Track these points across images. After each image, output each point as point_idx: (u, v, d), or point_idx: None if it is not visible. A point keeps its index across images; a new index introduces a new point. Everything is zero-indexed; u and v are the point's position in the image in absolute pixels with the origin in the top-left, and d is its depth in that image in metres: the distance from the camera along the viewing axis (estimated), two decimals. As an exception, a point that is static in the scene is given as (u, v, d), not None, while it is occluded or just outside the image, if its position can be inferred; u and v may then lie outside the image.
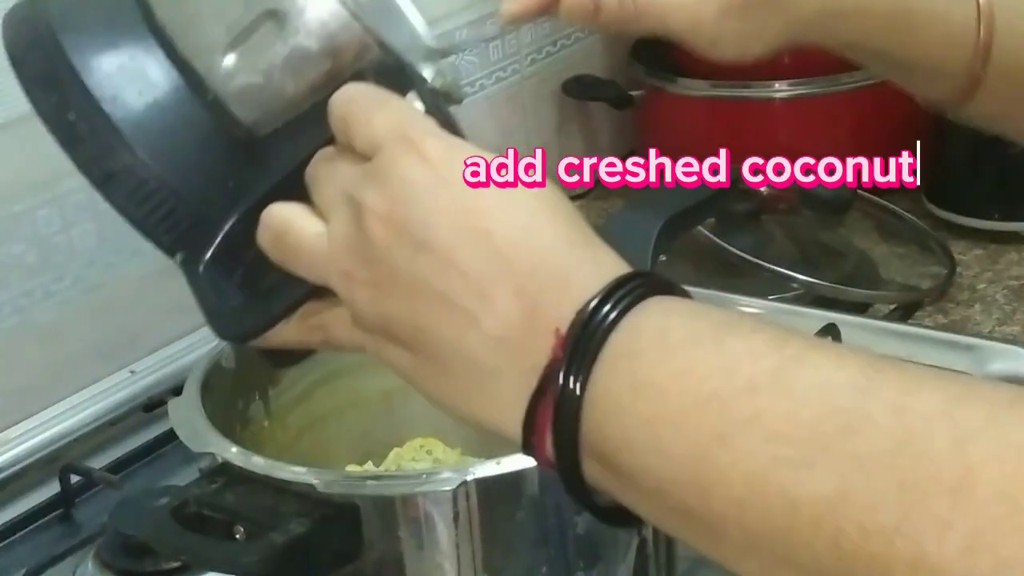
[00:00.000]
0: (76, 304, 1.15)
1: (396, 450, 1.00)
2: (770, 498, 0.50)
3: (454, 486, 0.77)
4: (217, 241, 0.66)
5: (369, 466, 0.99)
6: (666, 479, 0.53)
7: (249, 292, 0.65)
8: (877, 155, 1.27)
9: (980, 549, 0.46)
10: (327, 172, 0.61)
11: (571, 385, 0.54)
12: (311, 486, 0.77)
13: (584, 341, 0.54)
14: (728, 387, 0.52)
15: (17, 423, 1.12)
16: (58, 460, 1.12)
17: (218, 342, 0.92)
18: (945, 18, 0.80)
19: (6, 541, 1.08)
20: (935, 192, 1.44)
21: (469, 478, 0.77)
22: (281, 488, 0.77)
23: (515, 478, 0.78)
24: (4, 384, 1.11)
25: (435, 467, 0.97)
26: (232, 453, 0.80)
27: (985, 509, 0.46)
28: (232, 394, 0.93)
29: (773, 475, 0.50)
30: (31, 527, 1.09)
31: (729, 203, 1.24)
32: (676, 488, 0.52)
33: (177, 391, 0.90)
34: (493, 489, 0.78)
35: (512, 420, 0.56)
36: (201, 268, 0.66)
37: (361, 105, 0.60)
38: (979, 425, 0.48)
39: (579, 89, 1.57)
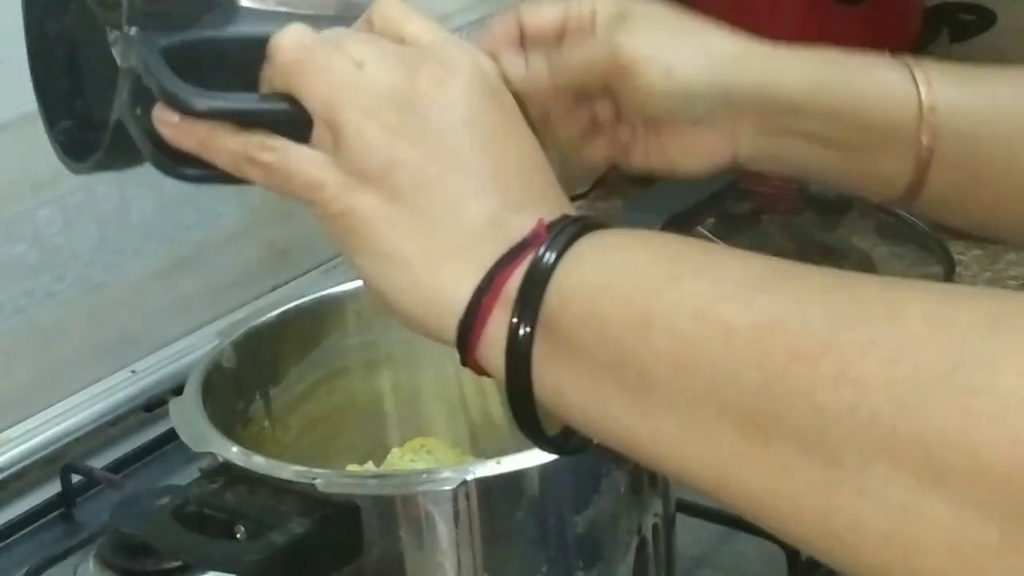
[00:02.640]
0: (77, 304, 1.15)
1: (396, 450, 1.00)
2: (708, 329, 0.53)
3: (454, 486, 0.77)
4: (185, 39, 0.65)
5: (369, 466, 0.99)
6: (613, 320, 0.56)
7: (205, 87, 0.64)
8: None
9: (900, 359, 0.48)
10: (361, 35, 0.64)
11: (552, 246, 0.58)
12: (311, 486, 0.77)
13: (570, 224, 0.60)
14: (687, 247, 0.58)
15: (18, 423, 1.12)
16: (59, 460, 1.12)
17: (220, 342, 0.93)
18: (886, 91, 0.79)
19: (7, 540, 1.08)
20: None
21: (469, 478, 0.77)
22: (281, 488, 0.77)
23: (515, 478, 0.78)
24: (5, 384, 1.11)
25: (435, 467, 0.97)
26: (233, 453, 0.80)
27: (909, 328, 0.49)
28: (233, 394, 0.93)
29: (714, 309, 0.54)
30: (32, 526, 1.09)
31: (729, 203, 1.24)
32: (620, 329, 0.56)
33: (178, 391, 0.90)
34: (493, 489, 0.78)
35: (463, 288, 0.59)
36: (158, 48, 0.64)
37: (398, 9, 0.65)
38: (909, 282, 0.52)
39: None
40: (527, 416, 0.60)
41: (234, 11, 0.67)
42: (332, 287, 1.00)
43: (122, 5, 0.64)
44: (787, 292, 0.53)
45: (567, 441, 0.63)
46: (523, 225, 0.60)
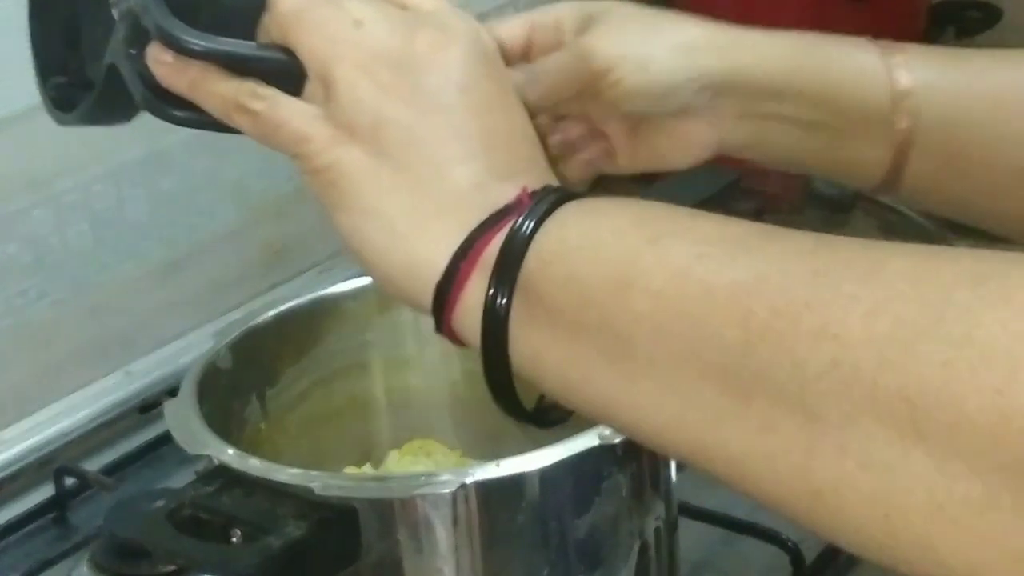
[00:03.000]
0: (71, 304, 1.15)
1: (395, 452, 1.00)
2: (688, 288, 0.53)
3: (453, 489, 0.76)
4: None
5: (367, 468, 0.99)
6: (593, 283, 0.56)
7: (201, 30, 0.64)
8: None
9: (881, 313, 0.48)
10: None
11: (533, 211, 0.59)
12: (309, 489, 0.76)
13: (553, 192, 0.60)
14: (669, 212, 0.58)
15: (11, 425, 1.12)
16: (53, 462, 1.12)
17: (216, 343, 0.93)
18: (862, 80, 0.79)
19: (0, 544, 1.08)
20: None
21: (468, 481, 0.77)
22: (278, 491, 0.77)
23: (515, 481, 0.78)
24: (-2, 385, 1.11)
25: (434, 469, 0.97)
26: (229, 455, 0.80)
27: (891, 285, 0.49)
28: (229, 395, 0.93)
29: (695, 268, 0.54)
30: (25, 530, 1.09)
31: (732, 202, 1.24)
32: (600, 292, 0.56)
33: (173, 392, 0.90)
34: (493, 492, 0.78)
35: (442, 252, 0.59)
36: None
37: None
38: (891, 244, 0.52)
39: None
40: (504, 386, 0.60)
41: None
42: (329, 287, 1.00)
43: None
44: (768, 252, 0.53)
45: (545, 414, 0.63)
46: (507, 192, 0.60)
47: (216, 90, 0.63)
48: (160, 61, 0.64)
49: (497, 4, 1.47)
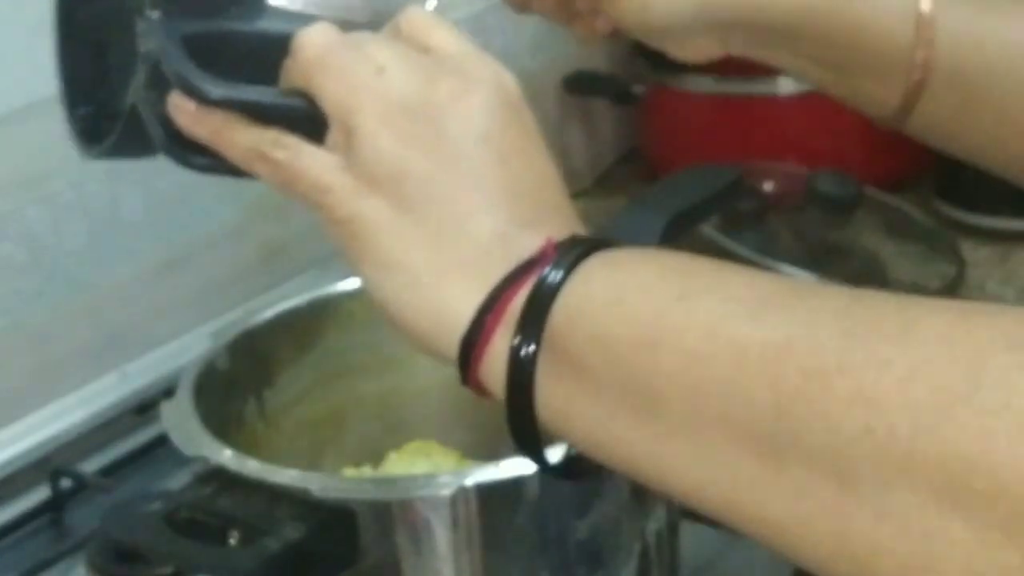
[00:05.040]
0: (67, 304, 1.15)
1: (393, 453, 1.00)
2: (719, 347, 0.53)
3: (452, 490, 0.76)
4: (209, 28, 0.65)
5: (366, 470, 0.98)
6: (621, 341, 0.55)
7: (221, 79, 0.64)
8: (884, 152, 1.27)
9: (917, 379, 0.48)
10: (386, 40, 0.64)
11: (559, 265, 0.58)
12: (306, 490, 0.76)
13: (579, 243, 0.60)
14: (695, 265, 0.58)
15: (7, 426, 1.11)
16: (48, 463, 1.12)
17: (213, 343, 0.93)
18: (884, 8, 0.79)
19: (-5, 546, 1.08)
20: (944, 190, 1.44)
21: (468, 482, 0.77)
22: (276, 493, 0.77)
23: (515, 482, 0.78)
24: (-7, 386, 1.11)
25: (433, 471, 0.96)
26: (226, 457, 0.80)
27: (925, 348, 0.48)
28: (226, 396, 0.92)
29: (724, 327, 0.53)
30: (21, 531, 1.08)
31: (734, 201, 1.23)
32: (628, 350, 0.55)
33: (170, 393, 0.89)
34: (492, 494, 0.78)
35: (467, 305, 0.59)
36: (179, 35, 0.64)
37: (427, 18, 0.66)
38: (923, 300, 0.52)
39: (581, 85, 1.57)
40: (528, 439, 0.59)
41: (261, 7, 0.67)
42: (327, 287, 1.00)
43: None
44: (799, 311, 0.52)
45: (571, 467, 0.62)
46: (531, 243, 0.60)
47: (238, 139, 0.63)
48: (181, 109, 0.64)
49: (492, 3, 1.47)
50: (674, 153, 1.51)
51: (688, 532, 0.90)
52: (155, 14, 0.64)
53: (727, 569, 1.00)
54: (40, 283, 1.13)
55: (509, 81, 0.64)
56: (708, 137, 1.48)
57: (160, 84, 0.64)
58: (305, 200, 0.62)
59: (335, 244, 0.62)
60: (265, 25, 0.67)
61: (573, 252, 0.59)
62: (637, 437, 0.55)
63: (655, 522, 0.84)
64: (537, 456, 0.61)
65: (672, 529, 0.86)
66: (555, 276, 0.58)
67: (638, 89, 1.58)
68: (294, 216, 1.29)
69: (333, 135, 0.62)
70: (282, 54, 0.64)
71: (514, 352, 0.58)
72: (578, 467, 0.63)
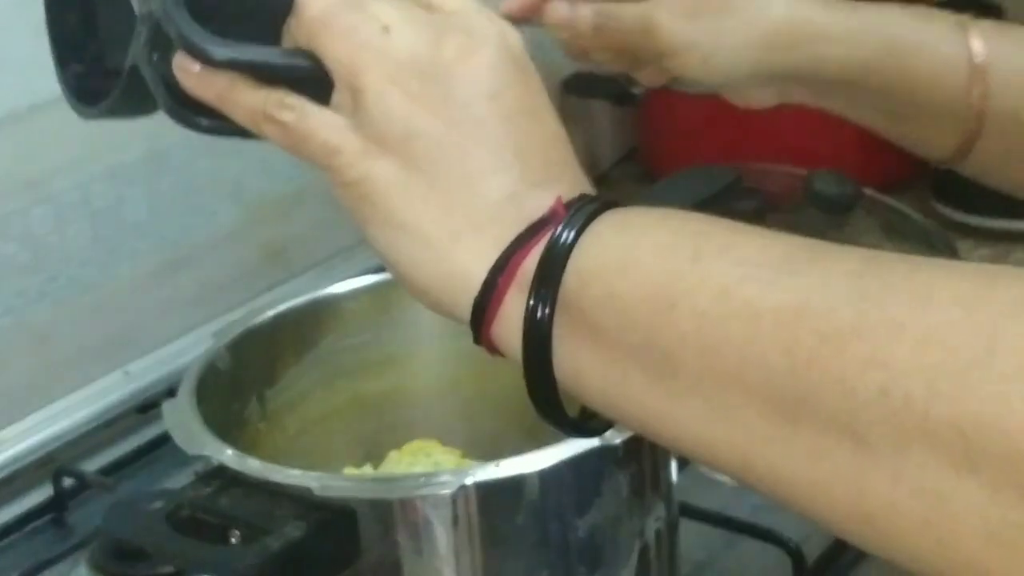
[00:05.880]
0: (70, 304, 1.15)
1: (394, 452, 1.00)
2: (733, 309, 0.53)
3: (453, 489, 0.76)
4: None
5: (367, 469, 0.98)
6: (635, 301, 0.55)
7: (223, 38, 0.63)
8: (882, 153, 1.27)
9: (932, 343, 0.48)
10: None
11: (571, 225, 0.58)
12: (308, 489, 0.76)
13: (589, 202, 0.59)
14: (709, 227, 0.57)
15: (10, 425, 1.12)
16: (51, 462, 1.12)
17: (215, 343, 0.93)
18: (938, 60, 0.80)
19: (-1, 544, 1.08)
20: (941, 191, 1.44)
21: (468, 481, 0.76)
22: (277, 491, 0.77)
23: (515, 481, 0.78)
24: (-4, 385, 1.11)
25: (434, 470, 0.96)
26: (227, 456, 0.80)
27: (940, 312, 0.48)
28: (227, 396, 0.93)
29: (739, 289, 0.53)
30: (24, 530, 1.09)
31: (733, 201, 1.24)
32: (642, 311, 0.55)
33: (172, 393, 0.89)
34: (493, 492, 0.78)
35: (479, 266, 0.59)
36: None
37: None
38: (938, 263, 0.51)
39: (580, 86, 1.56)
40: (546, 398, 0.59)
41: None
42: (328, 288, 1.00)
43: None
44: (813, 273, 0.52)
45: (586, 423, 0.62)
46: (541, 202, 0.59)
47: (244, 101, 0.62)
48: (186, 71, 0.63)
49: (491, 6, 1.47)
50: (673, 154, 1.51)
51: (687, 530, 0.91)
52: None
53: (726, 567, 1.00)
54: (43, 283, 1.13)
55: (514, 38, 0.63)
56: (707, 138, 1.48)
57: (162, 45, 0.63)
58: (314, 161, 0.62)
59: (345, 204, 0.62)
60: None
61: (584, 211, 0.58)
62: (651, 396, 0.55)
63: (655, 521, 0.84)
64: (556, 415, 0.60)
65: (671, 528, 0.86)
66: (567, 236, 0.57)
67: (637, 90, 1.57)
68: (295, 217, 1.29)
69: (339, 95, 0.61)
70: (285, 10, 0.63)
71: (529, 314, 0.57)
72: (594, 423, 0.62)
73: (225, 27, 0.63)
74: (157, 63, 0.64)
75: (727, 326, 0.53)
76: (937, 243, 1.39)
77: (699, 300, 0.54)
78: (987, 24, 0.79)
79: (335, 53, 0.61)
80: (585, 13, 0.80)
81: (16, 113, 1.06)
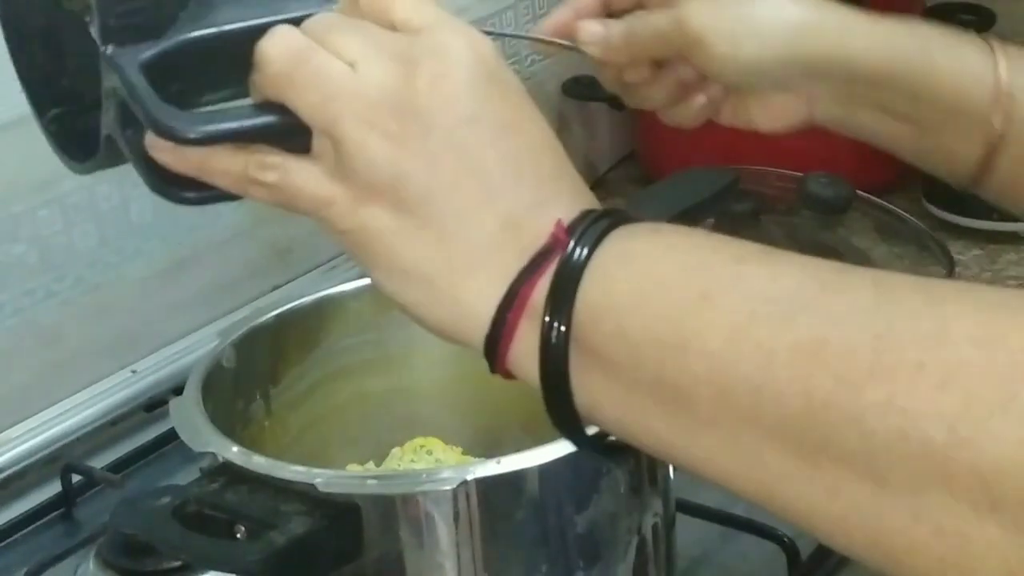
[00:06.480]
0: (77, 304, 1.15)
1: (396, 449, 1.00)
2: (746, 351, 0.52)
3: (454, 485, 0.76)
4: (166, 47, 0.61)
5: (370, 466, 0.99)
6: (646, 341, 0.54)
7: (188, 107, 0.61)
8: (875, 156, 1.27)
9: (951, 387, 0.47)
10: (350, 25, 0.61)
11: (576, 255, 0.56)
12: (312, 485, 0.76)
13: (590, 225, 0.57)
14: (715, 257, 0.56)
15: (18, 423, 1.12)
16: (59, 460, 1.12)
17: (221, 342, 0.93)
18: (965, 70, 0.78)
19: (7, 540, 1.08)
20: (934, 192, 1.44)
21: (469, 477, 0.77)
22: (282, 488, 0.77)
23: (515, 477, 0.78)
24: (5, 384, 1.11)
25: (435, 467, 0.97)
26: (233, 453, 0.80)
27: (958, 352, 0.48)
28: (233, 394, 0.93)
29: (751, 328, 0.52)
30: (32, 527, 1.09)
31: (729, 203, 1.24)
32: (654, 350, 0.54)
33: (178, 391, 0.90)
34: (493, 488, 0.78)
35: (487, 303, 0.58)
36: (139, 66, 0.60)
37: None
38: (952, 291, 0.51)
39: (579, 89, 1.56)
40: (567, 420, 0.58)
41: (208, 2, 0.63)
42: (332, 287, 1.00)
43: (92, 14, 0.62)
44: (826, 309, 0.51)
45: (604, 440, 0.61)
46: (541, 228, 0.58)
47: (225, 168, 0.61)
48: (160, 149, 0.61)
49: (501, 7, 1.47)
50: (670, 157, 1.50)
51: (684, 526, 0.91)
52: (109, 49, 0.61)
53: (723, 562, 1.00)
54: (51, 283, 1.13)
55: (484, 46, 0.60)
56: (704, 141, 1.47)
57: (133, 121, 0.61)
58: (308, 215, 0.61)
59: (345, 250, 0.61)
60: (221, 23, 0.62)
61: (588, 237, 0.57)
62: (668, 430, 0.55)
63: (652, 516, 0.84)
64: (576, 434, 0.59)
65: (669, 523, 0.86)
66: (574, 266, 0.56)
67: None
68: (300, 218, 1.29)
69: (319, 143, 0.59)
70: (245, 47, 0.60)
71: (544, 346, 0.56)
72: (614, 443, 0.61)
73: (191, 81, 0.62)
74: (131, 138, 0.62)
75: (740, 367, 0.52)
76: (930, 244, 1.39)
77: (710, 341, 0.53)
78: (1012, 50, 0.79)
79: (307, 106, 0.59)
80: (616, 25, 0.80)
81: (24, 116, 1.05)
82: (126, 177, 1.16)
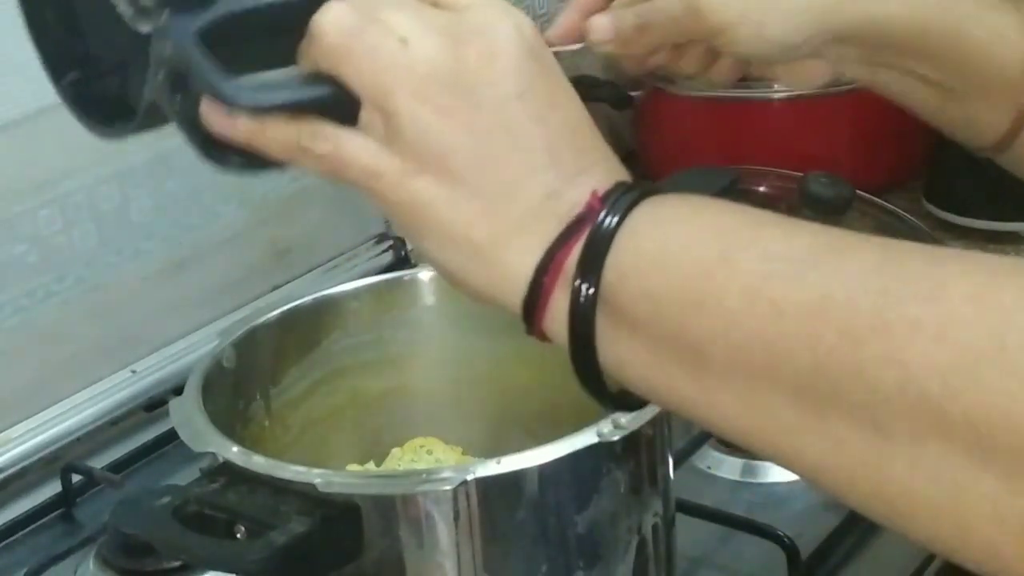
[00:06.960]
0: (77, 304, 1.15)
1: (396, 449, 1.00)
2: (760, 308, 0.54)
3: (454, 485, 0.77)
4: (217, 16, 0.62)
5: (370, 466, 0.99)
6: (668, 299, 0.57)
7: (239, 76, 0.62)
8: (875, 155, 1.28)
9: (946, 340, 0.50)
10: (398, 3, 0.62)
11: (607, 222, 0.59)
12: (312, 485, 0.77)
13: (622, 195, 0.60)
14: (735, 220, 0.58)
15: (18, 423, 1.12)
16: (59, 460, 1.13)
17: (221, 342, 0.93)
18: (995, 33, 0.78)
19: (7, 540, 1.08)
20: (934, 192, 1.44)
21: (469, 477, 0.77)
22: (282, 487, 0.77)
23: (515, 477, 0.78)
24: (5, 384, 1.12)
25: (435, 466, 0.97)
26: (233, 452, 0.80)
27: (954, 309, 0.50)
28: (233, 393, 0.93)
29: (765, 288, 0.55)
30: (32, 527, 1.10)
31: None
32: (675, 308, 0.57)
33: (178, 391, 0.90)
34: (493, 488, 0.78)
35: (526, 267, 0.60)
36: (191, 35, 0.61)
37: None
38: (955, 255, 0.54)
39: (578, 89, 1.54)
40: (593, 379, 0.61)
41: None
42: (332, 287, 1.00)
43: None
44: (834, 269, 0.54)
45: (626, 398, 0.63)
46: (578, 198, 0.60)
47: (276, 137, 0.62)
48: (214, 117, 0.62)
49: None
50: (671, 157, 1.51)
51: (684, 526, 0.91)
52: (163, 15, 0.62)
53: (723, 562, 1.00)
54: (51, 283, 1.13)
55: (527, 26, 0.63)
56: (704, 141, 1.48)
57: (183, 87, 0.62)
58: (355, 186, 0.62)
59: (394, 221, 0.62)
60: None
61: (619, 205, 0.59)
62: (686, 386, 0.57)
63: (652, 516, 0.84)
64: (601, 392, 0.62)
65: (669, 523, 0.86)
66: (605, 232, 0.59)
67: (635, 94, 1.58)
68: (300, 218, 1.29)
69: (369, 115, 0.61)
70: (296, 20, 0.62)
71: (573, 306, 0.59)
72: (635, 397, 0.63)
73: (242, 53, 0.62)
74: (181, 104, 0.63)
75: (753, 324, 0.54)
76: (928, 243, 1.40)
77: (727, 299, 0.55)
78: None
79: (360, 79, 0.61)
80: (626, 17, 0.80)
81: (24, 116, 1.06)
82: (126, 177, 1.17)
